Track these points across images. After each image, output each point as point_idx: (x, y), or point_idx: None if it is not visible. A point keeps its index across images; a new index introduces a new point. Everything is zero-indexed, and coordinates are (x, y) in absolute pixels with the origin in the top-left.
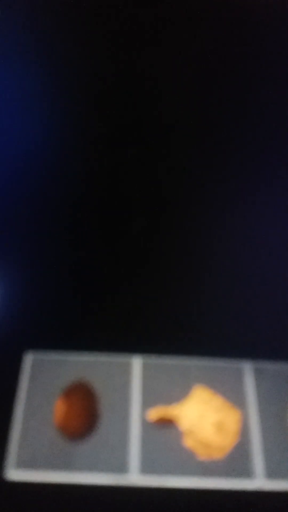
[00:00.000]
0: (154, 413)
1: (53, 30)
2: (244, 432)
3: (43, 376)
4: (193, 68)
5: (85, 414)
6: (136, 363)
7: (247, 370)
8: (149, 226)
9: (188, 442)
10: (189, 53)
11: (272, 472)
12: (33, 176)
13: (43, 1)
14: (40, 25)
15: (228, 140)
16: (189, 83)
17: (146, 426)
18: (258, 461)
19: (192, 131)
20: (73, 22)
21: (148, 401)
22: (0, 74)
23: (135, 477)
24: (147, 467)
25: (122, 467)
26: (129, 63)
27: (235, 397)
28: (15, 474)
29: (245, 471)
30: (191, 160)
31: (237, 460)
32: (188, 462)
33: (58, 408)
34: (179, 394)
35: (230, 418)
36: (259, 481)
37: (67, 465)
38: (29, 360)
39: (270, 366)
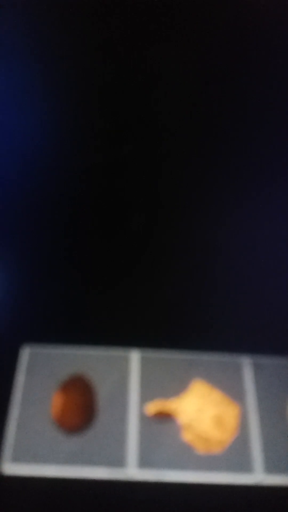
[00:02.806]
0: (152, 407)
1: (51, 26)
2: (243, 426)
3: (40, 369)
4: (193, 64)
5: (82, 408)
6: (134, 357)
7: (246, 365)
8: (148, 220)
9: (187, 436)
10: (189, 50)
11: (271, 467)
12: (33, 171)
13: None
14: (38, 21)
15: (226, 136)
16: (188, 79)
17: (144, 420)
18: (257, 455)
19: (190, 128)
20: (71, 18)
21: (146, 395)
22: None
23: (133, 471)
24: (145, 461)
25: (120, 461)
26: (128, 59)
27: (234, 392)
28: (11, 468)
29: (244, 466)
30: (189, 156)
31: (236, 454)
32: (187, 456)
33: (55, 401)
34: (177, 388)
35: (229, 413)
36: (258, 476)
37: (64, 459)
38: (26, 353)
39: (269, 361)
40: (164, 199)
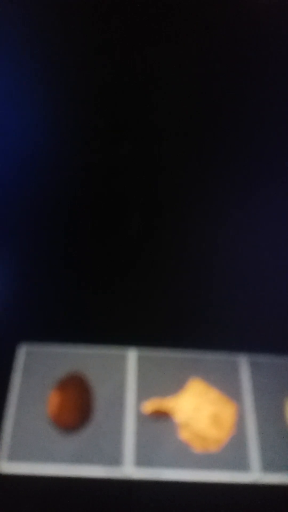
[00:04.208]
0: (149, 406)
1: (51, 26)
2: (240, 425)
3: (37, 368)
4: (192, 64)
5: (79, 407)
6: (131, 356)
7: (243, 363)
8: (147, 220)
9: (184, 435)
10: (188, 50)
11: (268, 465)
12: (33, 170)
13: None
14: (38, 21)
15: (226, 136)
16: (188, 79)
17: (141, 418)
18: (254, 454)
19: (190, 128)
20: (71, 18)
21: (143, 394)
22: None
23: (130, 469)
24: (142, 460)
25: (116, 460)
26: (127, 59)
27: (231, 390)
28: (8, 466)
29: (241, 464)
30: (189, 156)
31: (233, 453)
32: (184, 455)
33: (52, 400)
34: (174, 386)
35: (226, 411)
36: (255, 474)
37: (61, 458)
38: (22, 352)
39: (266, 359)
40: (163, 199)
